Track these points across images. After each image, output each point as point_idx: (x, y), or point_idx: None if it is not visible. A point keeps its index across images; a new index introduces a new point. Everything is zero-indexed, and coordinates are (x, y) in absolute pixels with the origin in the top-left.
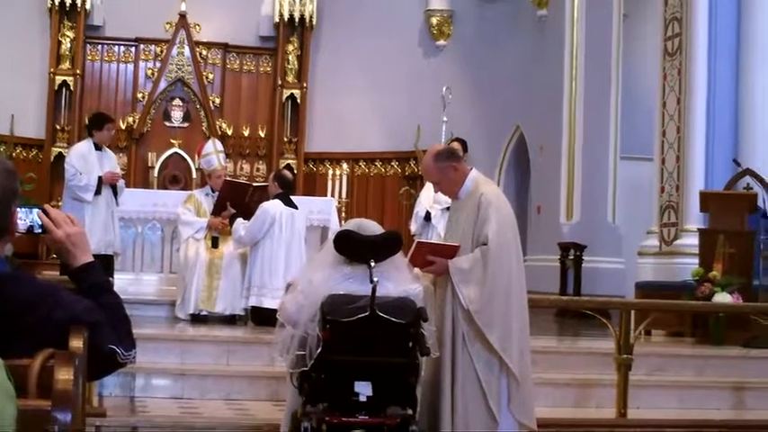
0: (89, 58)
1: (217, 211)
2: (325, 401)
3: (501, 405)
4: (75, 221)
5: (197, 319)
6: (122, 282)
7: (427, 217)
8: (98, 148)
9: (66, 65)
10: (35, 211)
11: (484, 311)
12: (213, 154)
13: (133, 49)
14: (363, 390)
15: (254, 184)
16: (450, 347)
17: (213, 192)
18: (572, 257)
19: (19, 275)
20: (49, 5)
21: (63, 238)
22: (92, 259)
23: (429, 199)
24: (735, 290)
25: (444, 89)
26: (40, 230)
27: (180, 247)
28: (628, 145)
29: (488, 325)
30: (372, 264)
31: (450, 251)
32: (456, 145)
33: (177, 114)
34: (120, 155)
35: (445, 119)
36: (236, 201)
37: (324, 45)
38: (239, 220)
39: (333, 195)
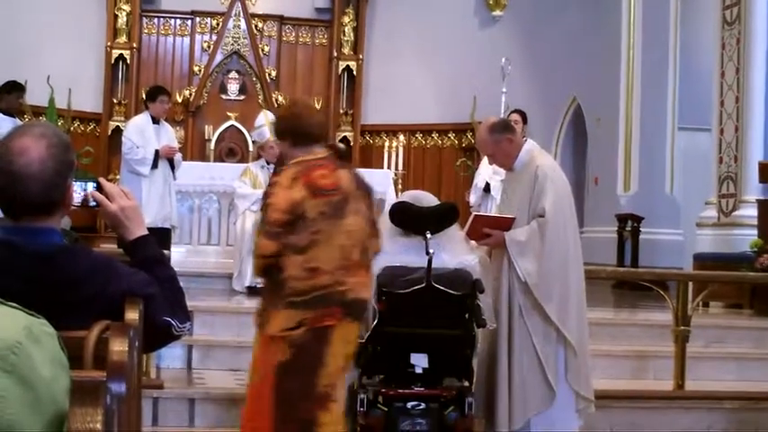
0: (145, 31)
1: None
2: (381, 373)
3: (558, 376)
4: (130, 195)
5: (254, 291)
6: (179, 255)
7: (486, 188)
8: (155, 121)
9: (122, 38)
10: (90, 184)
11: (542, 284)
12: (266, 125)
13: (189, 22)
14: (419, 362)
15: None
16: (507, 319)
17: (268, 164)
18: (629, 229)
19: (74, 248)
20: None
21: (117, 211)
22: (146, 233)
23: (489, 170)
24: None
25: (503, 60)
26: (94, 203)
27: (236, 220)
28: (686, 115)
29: (546, 297)
30: (428, 235)
31: (505, 223)
32: (515, 116)
33: (233, 87)
34: (177, 128)
35: (504, 90)
36: None
37: (379, 16)
38: None
39: (389, 167)
